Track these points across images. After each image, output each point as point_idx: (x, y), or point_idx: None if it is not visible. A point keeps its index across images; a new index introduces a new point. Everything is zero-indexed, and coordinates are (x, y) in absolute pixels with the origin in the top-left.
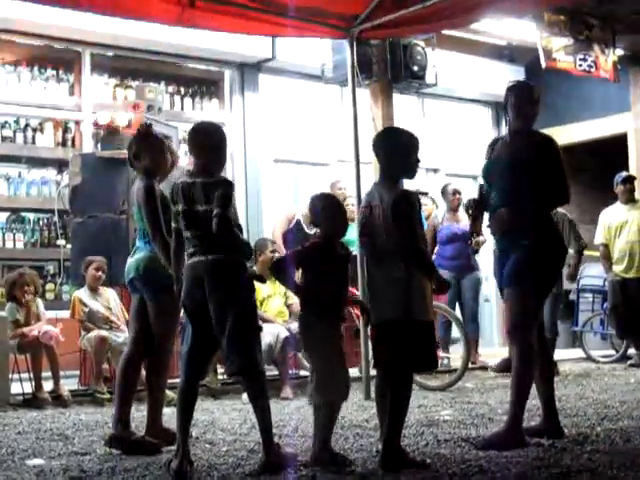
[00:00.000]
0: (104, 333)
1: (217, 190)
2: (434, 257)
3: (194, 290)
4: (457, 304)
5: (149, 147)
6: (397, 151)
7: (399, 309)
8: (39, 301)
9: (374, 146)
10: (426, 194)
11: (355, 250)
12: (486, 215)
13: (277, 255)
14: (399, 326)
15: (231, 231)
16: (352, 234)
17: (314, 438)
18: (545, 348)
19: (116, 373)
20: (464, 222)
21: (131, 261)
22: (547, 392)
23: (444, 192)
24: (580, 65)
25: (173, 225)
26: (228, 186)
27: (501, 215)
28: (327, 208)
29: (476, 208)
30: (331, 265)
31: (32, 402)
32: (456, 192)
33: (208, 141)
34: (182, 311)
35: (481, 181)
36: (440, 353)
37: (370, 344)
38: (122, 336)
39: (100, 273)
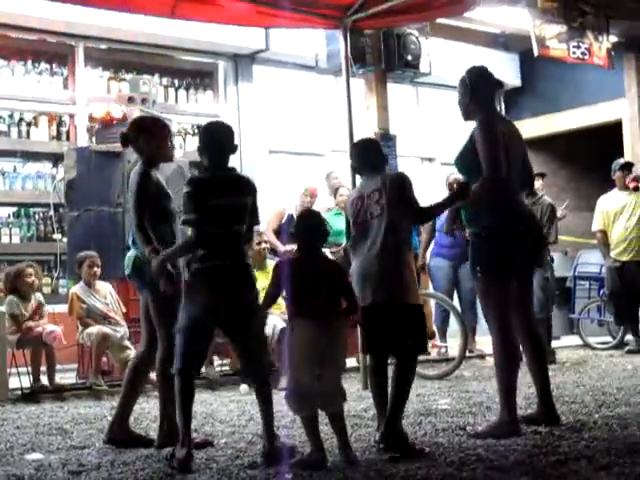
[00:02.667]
0: (106, 330)
1: (246, 183)
2: (432, 245)
3: (215, 296)
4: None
5: (155, 134)
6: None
7: (391, 292)
8: (40, 296)
9: (361, 154)
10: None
11: (344, 241)
12: None
13: (264, 246)
14: (390, 309)
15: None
16: (341, 224)
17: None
18: (534, 333)
19: (125, 372)
20: None
21: (126, 257)
22: (541, 378)
23: (446, 182)
24: (574, 52)
25: (191, 217)
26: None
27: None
28: (300, 227)
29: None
30: (304, 279)
31: (30, 396)
32: (457, 182)
33: (225, 138)
34: (185, 310)
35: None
36: (437, 342)
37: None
38: (121, 330)
39: (95, 269)
